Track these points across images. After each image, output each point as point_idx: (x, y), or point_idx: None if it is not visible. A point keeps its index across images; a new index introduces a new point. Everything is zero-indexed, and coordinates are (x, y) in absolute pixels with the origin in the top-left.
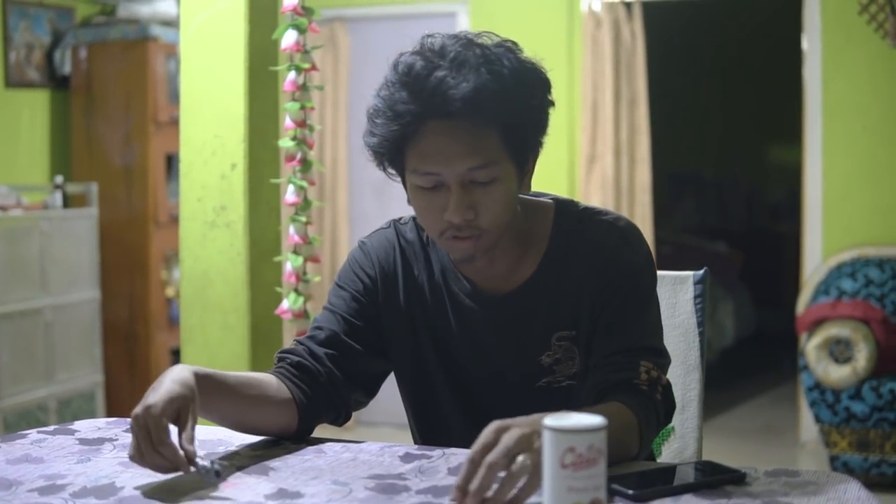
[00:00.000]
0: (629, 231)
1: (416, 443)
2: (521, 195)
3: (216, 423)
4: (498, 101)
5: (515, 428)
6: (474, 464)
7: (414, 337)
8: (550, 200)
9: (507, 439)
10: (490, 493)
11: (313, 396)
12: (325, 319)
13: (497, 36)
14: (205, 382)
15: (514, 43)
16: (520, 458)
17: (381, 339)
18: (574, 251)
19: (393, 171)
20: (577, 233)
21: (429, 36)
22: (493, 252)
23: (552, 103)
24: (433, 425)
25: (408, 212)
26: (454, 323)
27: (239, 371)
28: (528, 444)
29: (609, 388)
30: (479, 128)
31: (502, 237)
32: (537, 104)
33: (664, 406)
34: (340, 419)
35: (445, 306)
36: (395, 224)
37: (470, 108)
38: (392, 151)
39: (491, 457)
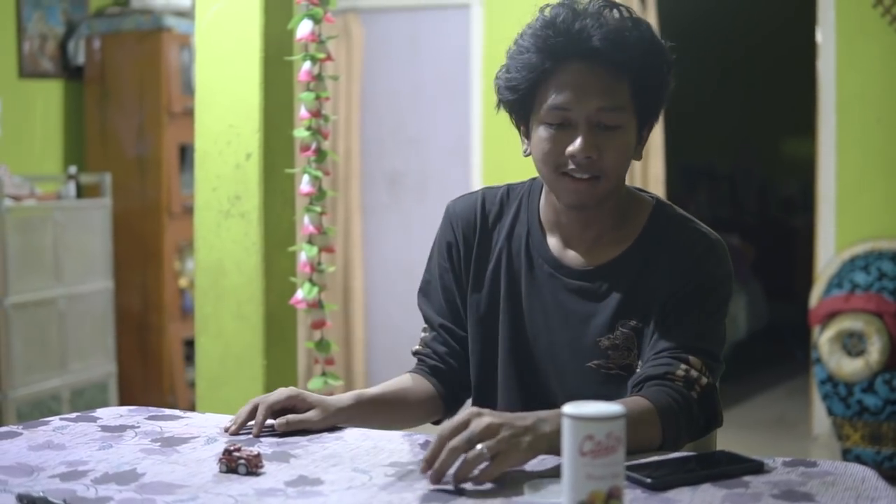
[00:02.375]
0: (718, 244)
1: None
2: (626, 184)
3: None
4: (635, 51)
5: (486, 416)
6: (440, 442)
7: (484, 301)
8: (651, 198)
9: (474, 426)
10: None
11: (448, 388)
12: (437, 305)
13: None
14: (366, 407)
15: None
16: (479, 447)
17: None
18: (661, 249)
19: (520, 114)
20: (669, 233)
21: None
22: (602, 207)
23: (672, 84)
24: (489, 392)
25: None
26: (525, 288)
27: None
28: (492, 433)
29: (645, 381)
30: (614, 74)
31: (610, 197)
32: (665, 75)
33: (701, 406)
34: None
35: (520, 272)
36: (484, 190)
37: (611, 48)
38: (529, 87)
39: (454, 441)
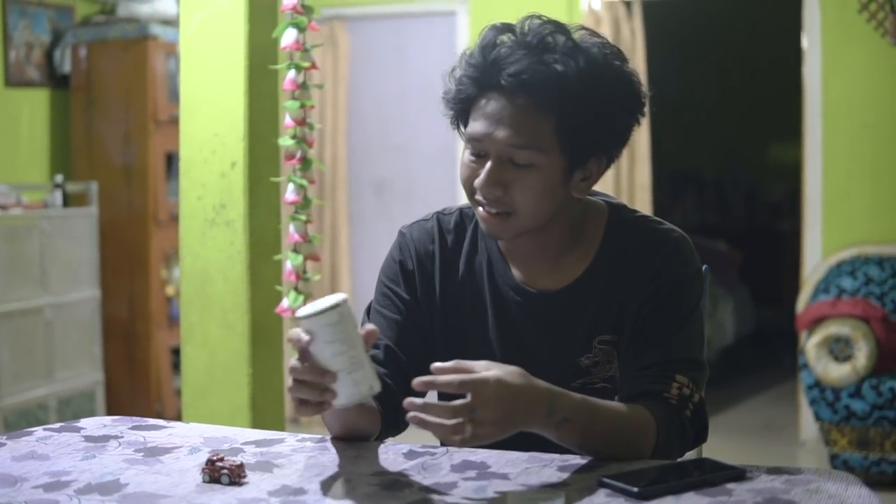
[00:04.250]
0: (681, 242)
1: None
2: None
3: (336, 430)
4: (555, 90)
5: (489, 408)
6: (447, 386)
7: (447, 329)
8: (602, 202)
9: (481, 412)
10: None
11: (387, 408)
12: (381, 328)
13: (610, 45)
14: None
15: (620, 52)
16: (467, 428)
17: (425, 333)
18: (625, 257)
19: (463, 131)
20: (630, 239)
21: (537, 17)
22: (534, 236)
23: (636, 121)
24: None
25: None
26: (492, 317)
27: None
28: (483, 421)
29: (638, 397)
30: (535, 111)
31: (546, 227)
32: (609, 112)
33: (693, 424)
34: None
35: (485, 299)
36: (438, 215)
37: (518, 86)
38: (458, 112)
39: (447, 410)
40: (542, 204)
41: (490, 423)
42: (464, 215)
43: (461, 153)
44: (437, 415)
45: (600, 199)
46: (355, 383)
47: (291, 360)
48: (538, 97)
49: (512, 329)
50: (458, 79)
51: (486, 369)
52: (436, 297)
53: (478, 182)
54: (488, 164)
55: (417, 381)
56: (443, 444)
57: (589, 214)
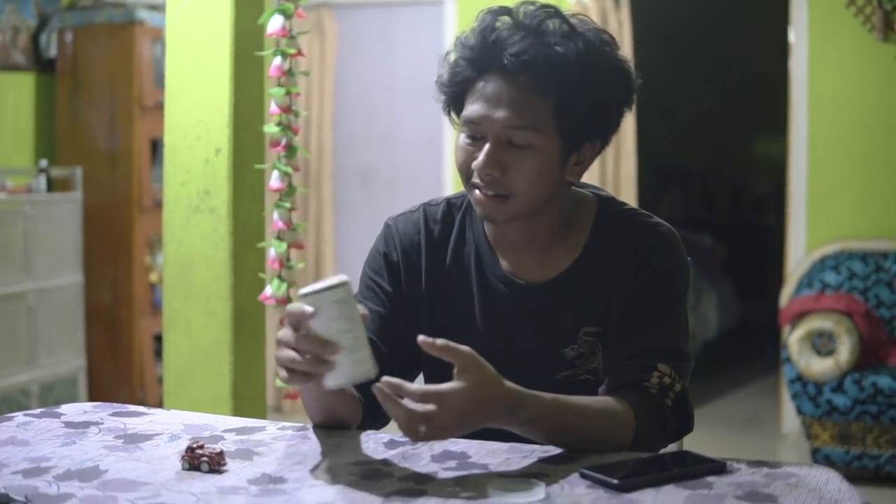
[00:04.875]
0: (669, 236)
1: None
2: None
3: (317, 416)
4: (555, 71)
5: (446, 416)
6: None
7: (433, 320)
8: (591, 194)
9: (439, 419)
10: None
11: (368, 398)
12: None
13: (604, 31)
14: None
15: (613, 39)
16: (421, 429)
17: (413, 323)
18: (613, 249)
19: (455, 118)
20: (618, 231)
21: (531, 2)
22: (533, 219)
23: (628, 107)
24: None
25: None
26: (479, 307)
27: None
28: (440, 427)
29: (619, 387)
30: (535, 92)
31: (538, 214)
32: (605, 97)
33: (675, 413)
34: None
35: (472, 290)
36: (425, 207)
37: (520, 66)
38: (452, 96)
39: (408, 412)
40: (538, 187)
41: (446, 428)
42: (451, 206)
43: (456, 138)
44: (399, 411)
45: (590, 192)
46: (355, 363)
47: (283, 330)
48: (539, 78)
49: (499, 319)
50: (453, 62)
51: (471, 356)
52: (422, 288)
53: (476, 164)
54: (487, 146)
55: (384, 382)
56: None
57: (578, 206)
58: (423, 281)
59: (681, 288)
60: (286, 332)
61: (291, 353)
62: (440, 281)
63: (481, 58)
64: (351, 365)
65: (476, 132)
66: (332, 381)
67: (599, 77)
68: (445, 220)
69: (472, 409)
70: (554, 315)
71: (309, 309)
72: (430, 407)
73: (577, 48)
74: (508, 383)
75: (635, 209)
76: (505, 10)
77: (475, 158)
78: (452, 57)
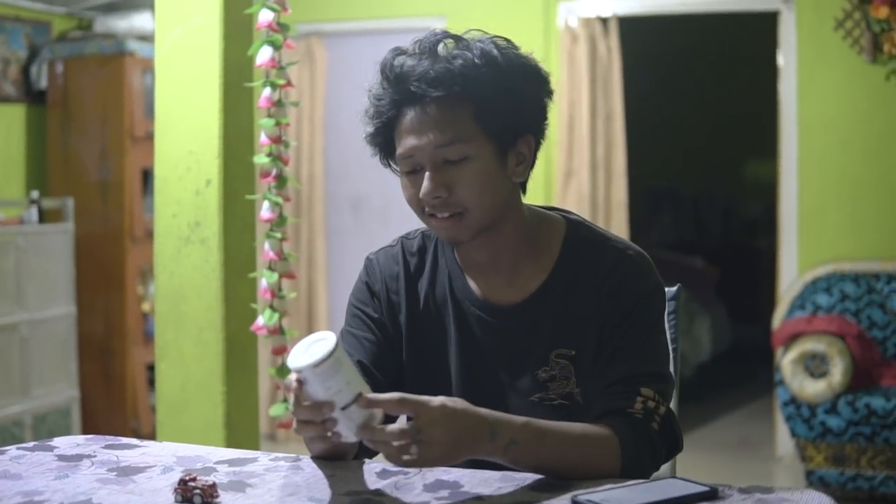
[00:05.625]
0: (639, 259)
1: None
2: (531, 205)
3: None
4: (463, 78)
5: (434, 445)
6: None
7: (413, 348)
8: (560, 216)
9: (427, 433)
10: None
11: None
12: (355, 348)
13: (499, 37)
14: None
15: (507, 40)
16: (405, 457)
17: (398, 351)
18: (582, 273)
19: (395, 165)
20: (588, 254)
21: (424, 34)
22: (488, 242)
23: (548, 93)
24: None
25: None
26: (454, 330)
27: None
28: (427, 453)
29: (604, 416)
30: (449, 106)
31: (499, 230)
32: (520, 89)
33: (663, 435)
34: None
35: (447, 315)
36: (402, 240)
37: (427, 86)
38: (383, 144)
39: (397, 435)
40: (487, 194)
41: (436, 443)
42: (425, 237)
43: (400, 181)
44: (385, 438)
45: (559, 214)
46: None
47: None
48: (449, 90)
49: (472, 341)
50: (372, 112)
51: (427, 404)
52: (401, 318)
53: (423, 193)
54: (427, 174)
55: (363, 399)
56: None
57: (545, 226)
58: (403, 309)
59: (656, 309)
60: (293, 405)
61: (303, 426)
62: (418, 309)
63: (391, 96)
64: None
65: (413, 165)
66: (345, 434)
67: (505, 73)
68: (420, 251)
69: (452, 422)
70: (525, 336)
71: (295, 379)
72: (412, 422)
73: (475, 54)
74: (482, 410)
75: (604, 233)
76: (399, 50)
77: (419, 189)
78: (370, 110)
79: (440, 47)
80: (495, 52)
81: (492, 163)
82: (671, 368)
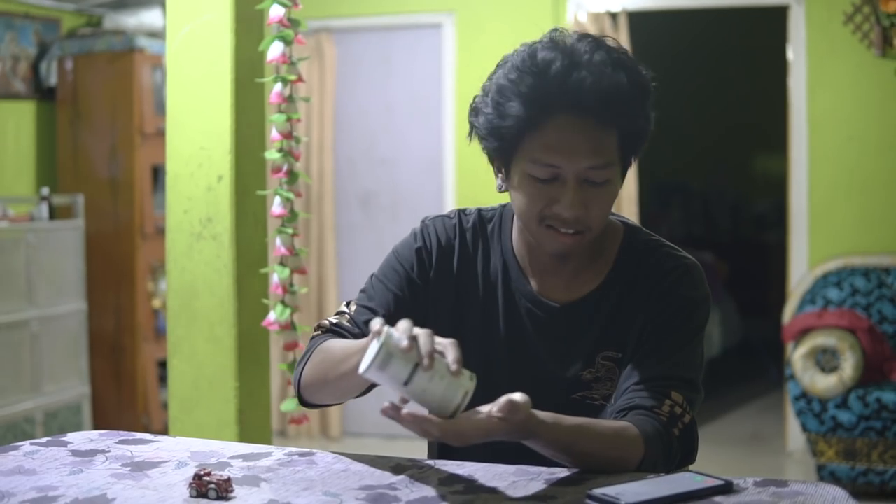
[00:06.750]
0: (693, 268)
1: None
2: None
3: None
4: (625, 104)
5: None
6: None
7: (456, 324)
8: (619, 222)
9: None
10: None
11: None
12: (379, 295)
13: (614, 42)
14: None
15: (636, 58)
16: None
17: (427, 319)
18: (637, 277)
19: (501, 158)
20: (644, 260)
21: (554, 30)
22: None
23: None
24: None
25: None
26: (503, 321)
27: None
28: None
29: (630, 410)
30: (604, 128)
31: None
32: (651, 116)
33: (682, 443)
34: None
35: (497, 303)
36: (460, 214)
37: (602, 105)
38: (514, 135)
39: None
40: (607, 216)
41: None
42: (483, 217)
43: (520, 177)
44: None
45: (617, 219)
46: (448, 389)
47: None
48: (608, 110)
49: (521, 335)
50: (507, 104)
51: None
52: (451, 289)
53: (562, 208)
54: (570, 188)
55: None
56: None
57: (608, 231)
58: (453, 281)
59: (700, 319)
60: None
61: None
62: (469, 285)
63: (554, 99)
64: (444, 394)
65: (554, 175)
66: (437, 410)
67: (647, 100)
68: (475, 230)
69: (484, 438)
70: (575, 336)
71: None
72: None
73: (629, 76)
74: (532, 416)
75: (661, 240)
76: (552, 46)
77: (551, 199)
78: (503, 101)
79: (596, 57)
80: (641, 74)
81: (619, 185)
82: (701, 379)
